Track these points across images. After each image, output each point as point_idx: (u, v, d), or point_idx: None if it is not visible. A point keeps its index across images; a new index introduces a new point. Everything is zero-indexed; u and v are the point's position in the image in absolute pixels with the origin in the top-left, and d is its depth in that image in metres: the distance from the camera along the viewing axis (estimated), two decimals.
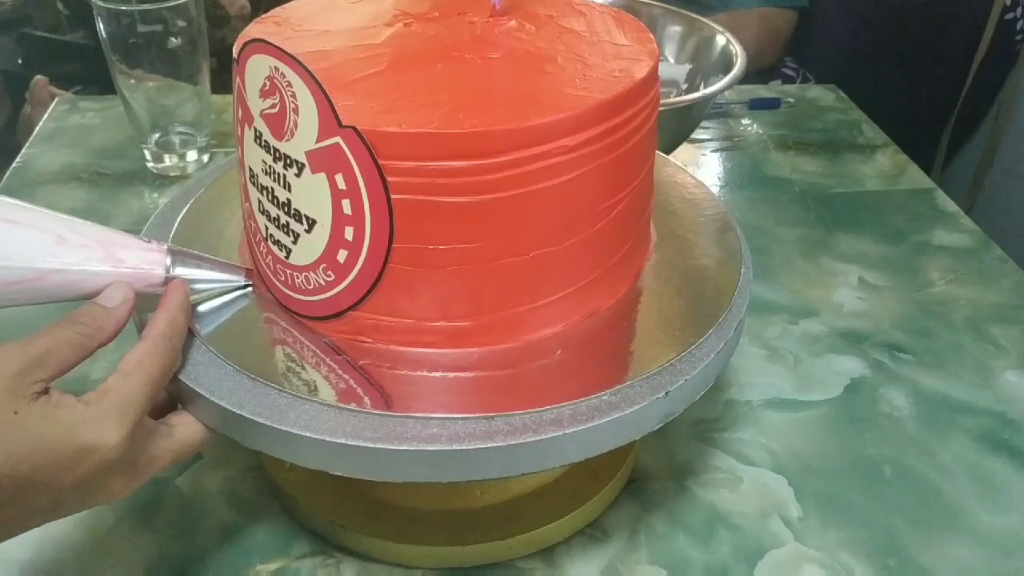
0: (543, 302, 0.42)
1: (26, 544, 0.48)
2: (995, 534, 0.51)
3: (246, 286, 0.45)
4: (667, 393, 0.40)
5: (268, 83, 0.39)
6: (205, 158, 0.84)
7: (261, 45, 0.39)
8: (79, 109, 0.95)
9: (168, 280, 0.41)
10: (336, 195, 0.38)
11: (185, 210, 0.52)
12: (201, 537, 0.49)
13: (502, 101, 0.40)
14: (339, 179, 0.38)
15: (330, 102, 0.37)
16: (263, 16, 0.47)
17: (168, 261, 0.41)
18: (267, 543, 0.49)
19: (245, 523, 0.50)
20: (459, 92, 0.40)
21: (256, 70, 0.40)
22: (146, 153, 0.82)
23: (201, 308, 0.44)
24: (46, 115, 0.94)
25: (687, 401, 0.42)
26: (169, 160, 0.82)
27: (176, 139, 0.82)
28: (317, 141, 0.38)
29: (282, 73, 0.38)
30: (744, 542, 0.50)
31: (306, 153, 0.38)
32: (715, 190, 0.71)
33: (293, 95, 0.38)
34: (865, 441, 0.57)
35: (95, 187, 0.81)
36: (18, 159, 0.85)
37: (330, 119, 0.37)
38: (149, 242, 0.41)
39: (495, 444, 0.37)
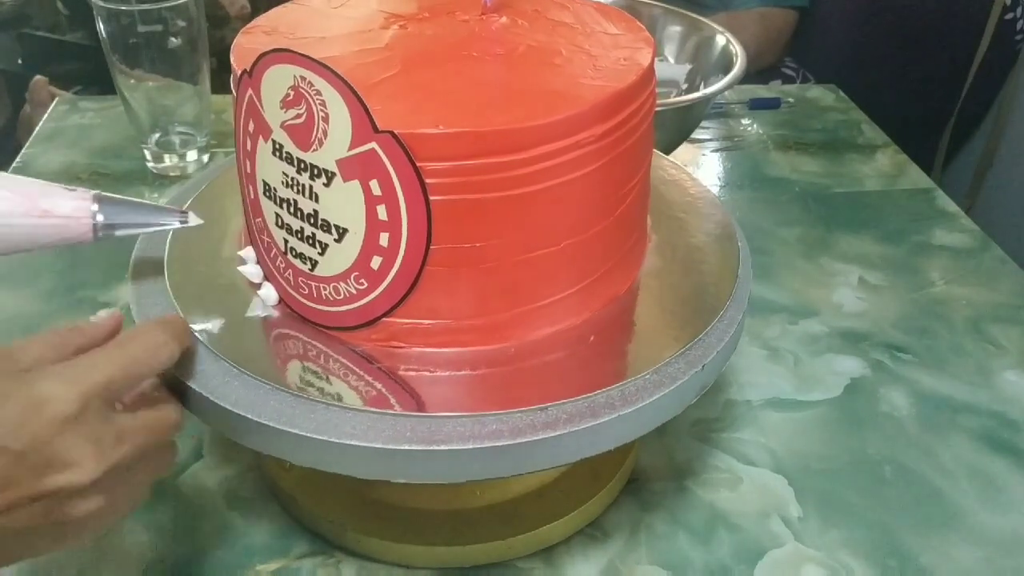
0: (572, 290, 0.43)
1: None
2: (995, 534, 0.51)
3: (184, 223, 0.44)
4: (704, 366, 0.41)
5: (292, 93, 0.38)
6: (205, 158, 0.84)
7: (284, 55, 0.38)
8: (79, 109, 0.95)
9: (95, 227, 0.41)
10: (370, 202, 0.38)
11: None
12: (201, 537, 0.49)
13: (526, 96, 0.41)
14: (374, 185, 0.38)
15: (365, 108, 0.36)
16: (248, 26, 0.46)
17: (94, 207, 0.41)
18: (267, 543, 0.49)
19: (245, 523, 0.50)
20: (480, 90, 0.41)
21: (276, 81, 0.39)
22: (146, 153, 0.82)
23: (222, 328, 0.43)
24: (46, 115, 0.94)
25: (718, 371, 0.44)
26: (169, 160, 0.82)
27: (176, 139, 0.82)
28: (350, 149, 0.38)
29: (309, 82, 0.37)
30: (744, 542, 0.50)
31: (337, 161, 0.38)
32: (715, 190, 0.71)
33: (323, 103, 0.37)
34: (865, 441, 0.57)
35: (95, 187, 0.80)
36: (18, 159, 0.85)
37: (365, 125, 0.37)
38: (74, 190, 0.41)
39: (556, 433, 0.38)
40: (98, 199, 0.41)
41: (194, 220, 0.44)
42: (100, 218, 0.41)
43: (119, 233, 0.42)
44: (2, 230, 0.39)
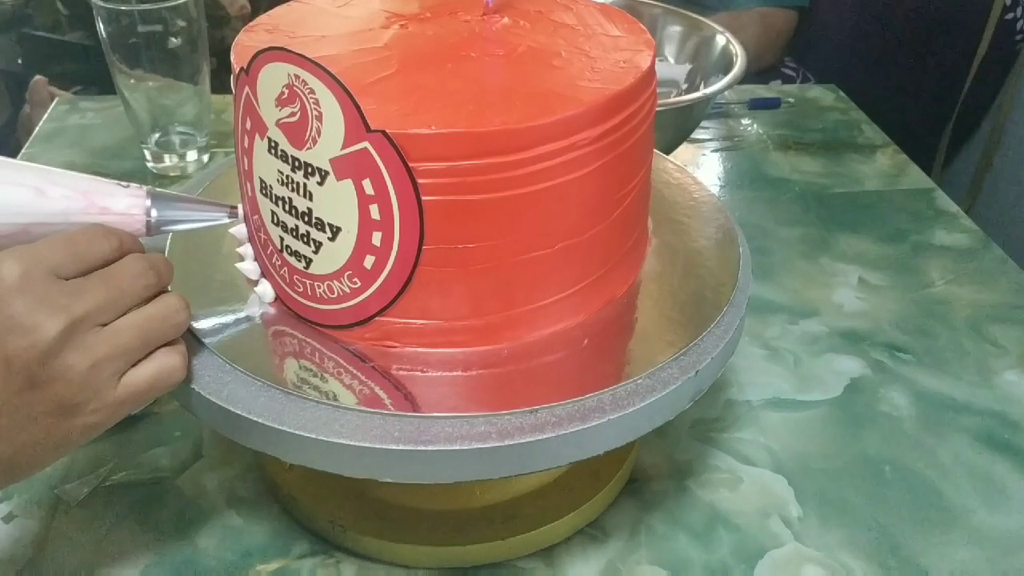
0: (568, 293, 0.43)
1: (27, 544, 0.48)
2: (995, 534, 0.51)
3: (233, 218, 0.44)
4: (697, 372, 0.41)
5: (286, 91, 0.38)
6: (205, 158, 0.84)
7: (279, 53, 0.38)
8: (79, 109, 0.95)
9: (149, 223, 0.41)
10: (363, 201, 0.38)
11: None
12: (201, 537, 0.49)
13: (522, 97, 0.41)
14: (366, 184, 0.38)
15: (358, 107, 0.37)
16: (251, 24, 0.46)
17: (148, 203, 0.41)
18: (267, 543, 0.49)
19: (245, 523, 0.50)
20: (477, 90, 0.41)
21: (272, 79, 0.39)
22: (146, 153, 0.82)
23: (218, 324, 0.43)
24: (46, 115, 0.94)
25: (712, 378, 0.43)
26: (169, 160, 0.82)
27: (176, 139, 0.82)
28: (343, 148, 0.38)
29: (303, 81, 0.38)
30: (744, 542, 0.50)
31: (330, 160, 0.38)
32: (715, 190, 0.71)
33: (316, 102, 0.38)
34: (865, 441, 0.57)
35: None
36: (18, 159, 0.85)
37: (357, 124, 0.37)
38: (127, 186, 0.41)
39: (544, 436, 0.38)
40: (151, 195, 0.41)
41: (243, 214, 0.44)
42: (154, 214, 0.41)
43: (171, 229, 0.42)
44: (61, 228, 0.39)
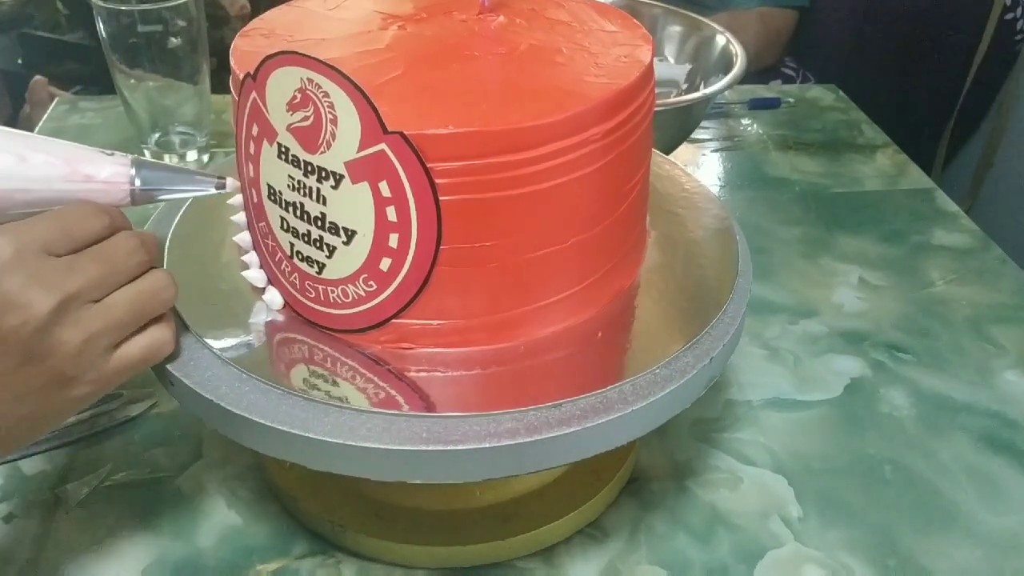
0: (580, 287, 0.43)
1: (27, 543, 0.48)
2: (995, 534, 0.51)
3: (221, 190, 0.44)
4: (712, 359, 0.42)
5: (299, 95, 0.38)
6: (205, 158, 0.84)
7: (291, 57, 0.38)
8: (79, 109, 0.95)
9: (133, 192, 0.41)
10: (380, 203, 0.38)
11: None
12: (201, 537, 0.49)
13: (532, 94, 0.41)
14: (383, 186, 0.38)
15: (375, 109, 0.36)
16: (245, 29, 0.46)
17: (132, 172, 0.41)
18: (267, 543, 0.49)
19: (245, 523, 0.50)
20: (487, 89, 0.41)
21: (282, 83, 0.39)
22: (146, 153, 0.82)
23: (228, 333, 0.43)
24: (46, 115, 0.94)
25: (724, 363, 0.44)
26: (169, 160, 0.82)
27: (176, 139, 0.82)
28: (359, 150, 0.37)
29: (317, 84, 0.37)
30: (744, 542, 0.50)
31: (346, 163, 0.38)
32: (715, 190, 0.71)
33: (331, 105, 0.37)
34: (865, 441, 0.57)
35: None
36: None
37: (374, 126, 0.37)
38: (112, 154, 0.41)
39: (571, 429, 0.38)
40: (136, 164, 0.41)
41: (231, 186, 0.44)
42: (138, 183, 0.41)
43: (157, 199, 0.42)
44: (43, 195, 0.39)
